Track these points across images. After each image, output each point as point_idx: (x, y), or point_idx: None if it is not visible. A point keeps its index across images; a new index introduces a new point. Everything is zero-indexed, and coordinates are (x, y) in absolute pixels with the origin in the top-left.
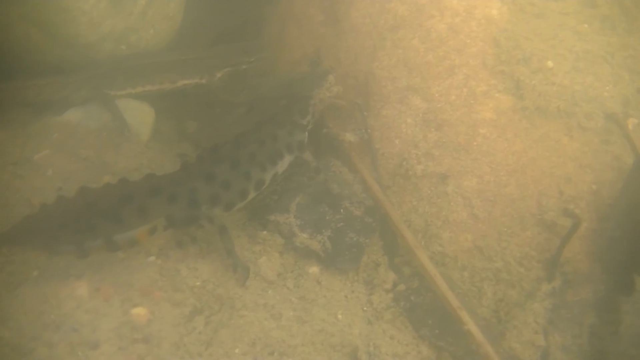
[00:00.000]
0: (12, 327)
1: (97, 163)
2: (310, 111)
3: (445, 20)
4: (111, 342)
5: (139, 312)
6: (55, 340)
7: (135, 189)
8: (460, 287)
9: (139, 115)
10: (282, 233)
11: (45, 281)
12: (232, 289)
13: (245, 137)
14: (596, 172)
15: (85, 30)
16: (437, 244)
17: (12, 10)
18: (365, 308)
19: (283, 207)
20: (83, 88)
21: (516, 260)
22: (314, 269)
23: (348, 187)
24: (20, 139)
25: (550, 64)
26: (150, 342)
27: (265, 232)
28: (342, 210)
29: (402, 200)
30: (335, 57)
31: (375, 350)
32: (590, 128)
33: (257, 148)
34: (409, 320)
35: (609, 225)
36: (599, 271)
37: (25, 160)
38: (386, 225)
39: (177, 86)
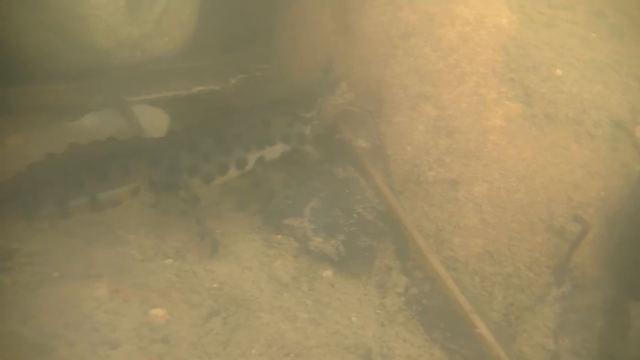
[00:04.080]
0: (33, 326)
1: None
2: (315, 107)
3: (456, 28)
4: (131, 342)
5: (158, 312)
6: (76, 340)
7: (122, 148)
8: (471, 291)
9: (154, 121)
10: (296, 237)
11: (66, 282)
12: (249, 291)
13: (234, 116)
14: (604, 178)
15: (102, 37)
16: (448, 248)
17: (30, 16)
18: (378, 311)
19: (297, 211)
20: (100, 93)
21: (526, 265)
22: (328, 272)
23: (361, 192)
24: (39, 142)
25: (559, 72)
26: (169, 342)
27: (279, 236)
28: (354, 214)
29: (414, 206)
30: (347, 64)
31: (388, 352)
32: (599, 135)
33: (245, 130)
34: (421, 323)
35: (617, 231)
36: (607, 276)
37: None
38: (398, 230)
39: (191, 92)
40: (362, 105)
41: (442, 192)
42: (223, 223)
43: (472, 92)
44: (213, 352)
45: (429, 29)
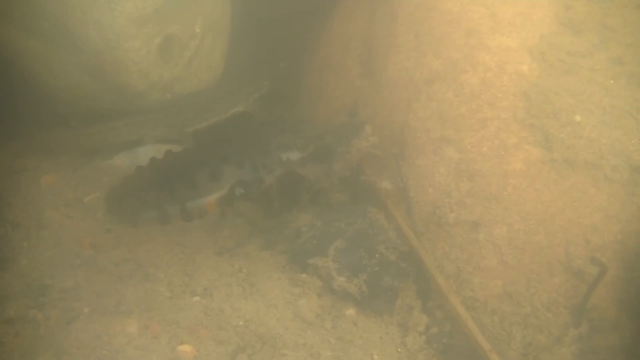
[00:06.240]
0: None
1: None
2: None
3: (478, 74)
4: None
5: (186, 349)
6: None
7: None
8: (490, 330)
9: None
10: (320, 276)
11: (97, 317)
12: (274, 329)
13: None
14: (622, 222)
15: (135, 79)
16: (468, 289)
17: (69, 59)
18: (399, 349)
19: (322, 251)
20: (159, 127)
21: (544, 305)
22: (351, 311)
23: (384, 233)
24: (72, 181)
25: (578, 118)
26: None
27: (304, 275)
28: (377, 255)
29: (435, 247)
30: (372, 108)
31: None
32: (617, 180)
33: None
34: None
35: (635, 275)
36: (625, 318)
37: (76, 202)
38: (420, 271)
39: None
40: (386, 148)
41: (463, 234)
42: (250, 262)
43: (493, 136)
44: None
45: (452, 74)
